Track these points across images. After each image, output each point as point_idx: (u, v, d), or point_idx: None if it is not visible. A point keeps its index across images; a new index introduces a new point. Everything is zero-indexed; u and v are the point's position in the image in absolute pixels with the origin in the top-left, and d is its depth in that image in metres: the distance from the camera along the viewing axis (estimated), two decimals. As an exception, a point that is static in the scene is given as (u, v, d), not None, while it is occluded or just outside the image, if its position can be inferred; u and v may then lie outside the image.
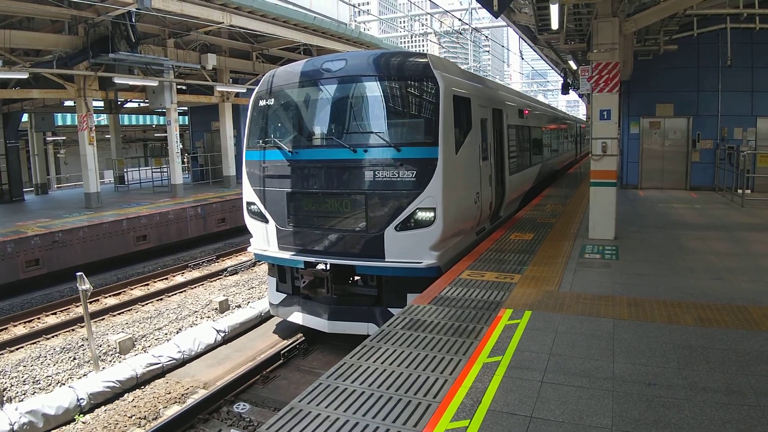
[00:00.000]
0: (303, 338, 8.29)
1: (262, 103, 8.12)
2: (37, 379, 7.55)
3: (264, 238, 8.05)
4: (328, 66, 7.56)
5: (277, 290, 8.39)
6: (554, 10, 8.45)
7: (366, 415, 3.55)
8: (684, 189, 15.50)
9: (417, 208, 6.86)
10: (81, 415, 6.56)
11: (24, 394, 7.16)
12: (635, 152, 15.87)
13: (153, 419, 6.48)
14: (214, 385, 7.19)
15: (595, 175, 8.86)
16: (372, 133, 7.16)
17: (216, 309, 10.29)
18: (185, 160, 27.10)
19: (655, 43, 13.79)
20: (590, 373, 4.05)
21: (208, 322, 9.10)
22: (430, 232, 6.90)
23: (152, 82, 16.78)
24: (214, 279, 12.67)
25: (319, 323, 7.67)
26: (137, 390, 7.22)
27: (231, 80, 20.49)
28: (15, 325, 9.80)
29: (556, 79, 50.10)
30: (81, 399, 6.63)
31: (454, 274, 6.89)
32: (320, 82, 7.63)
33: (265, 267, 11.86)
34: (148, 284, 12.34)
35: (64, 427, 6.38)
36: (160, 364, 7.65)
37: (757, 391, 3.71)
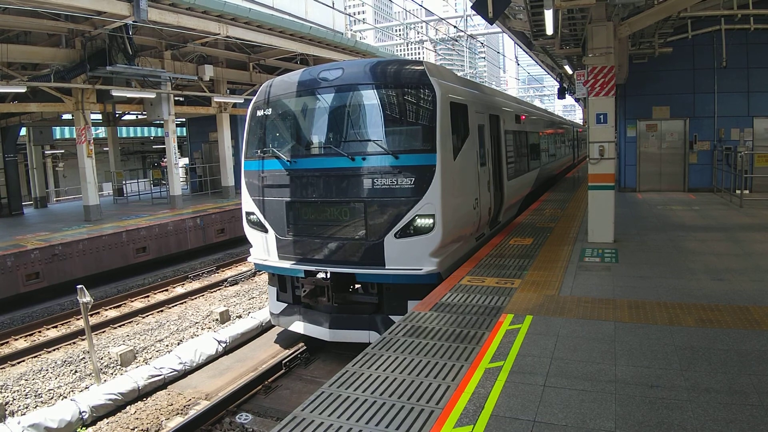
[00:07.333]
0: (304, 347, 8.28)
1: (259, 113, 8.14)
2: (38, 392, 7.53)
3: (264, 247, 8.06)
4: (325, 75, 7.59)
5: (278, 300, 8.38)
6: (548, 15, 8.48)
7: (369, 423, 3.54)
8: (682, 191, 15.54)
9: (416, 215, 6.87)
10: (83, 428, 6.54)
11: (26, 407, 7.14)
12: (632, 155, 15.92)
13: (156, 431, 6.47)
14: (216, 396, 7.17)
15: (593, 179, 8.88)
16: (370, 141, 7.17)
17: (217, 320, 10.28)
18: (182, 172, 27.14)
19: (650, 46, 13.87)
20: (592, 377, 4.05)
21: (209, 333, 9.09)
22: (430, 239, 6.90)
23: (150, 94, 16.82)
24: (215, 290, 12.66)
25: (321, 332, 7.66)
26: (139, 402, 7.20)
27: (228, 91, 20.56)
28: (16, 339, 9.78)
29: (552, 84, 50.30)
30: (83, 412, 6.61)
31: (455, 281, 6.89)
32: (317, 91, 7.65)
33: (265, 277, 11.85)
34: (148, 296, 12.32)
35: (66, 440, 6.36)
36: (162, 376, 7.63)
37: (759, 390, 3.71)
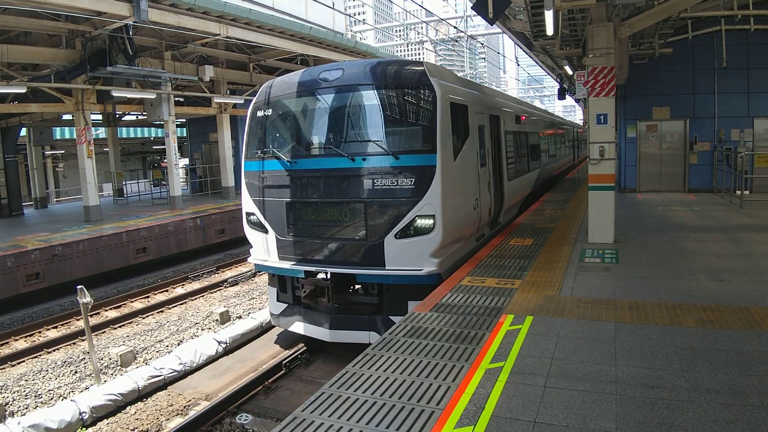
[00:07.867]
0: (305, 348, 8.28)
1: (260, 113, 8.14)
2: (38, 392, 7.52)
3: (264, 248, 8.05)
4: (325, 75, 7.59)
5: (278, 300, 8.38)
6: (549, 16, 8.48)
7: (370, 424, 3.54)
8: (682, 191, 15.54)
9: (416, 216, 6.86)
10: (83, 429, 6.54)
11: (26, 408, 7.14)
12: (633, 156, 15.92)
13: (155, 432, 6.47)
14: (216, 396, 7.17)
15: (594, 179, 8.88)
16: (370, 141, 7.17)
17: (217, 320, 10.28)
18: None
19: (650, 47, 13.87)
20: (593, 377, 4.05)
21: (209, 334, 9.08)
22: (430, 239, 6.90)
23: (150, 95, 16.83)
24: (215, 290, 12.65)
25: (321, 333, 7.65)
26: (139, 402, 7.20)
27: (228, 91, 20.57)
28: (16, 339, 9.77)
29: (552, 85, 50.33)
30: (83, 412, 6.61)
31: (455, 281, 6.89)
32: (317, 91, 7.65)
33: (265, 277, 11.85)
34: (148, 296, 12.32)
35: (66, 441, 6.36)
36: (162, 377, 7.63)
37: (760, 391, 3.71)
